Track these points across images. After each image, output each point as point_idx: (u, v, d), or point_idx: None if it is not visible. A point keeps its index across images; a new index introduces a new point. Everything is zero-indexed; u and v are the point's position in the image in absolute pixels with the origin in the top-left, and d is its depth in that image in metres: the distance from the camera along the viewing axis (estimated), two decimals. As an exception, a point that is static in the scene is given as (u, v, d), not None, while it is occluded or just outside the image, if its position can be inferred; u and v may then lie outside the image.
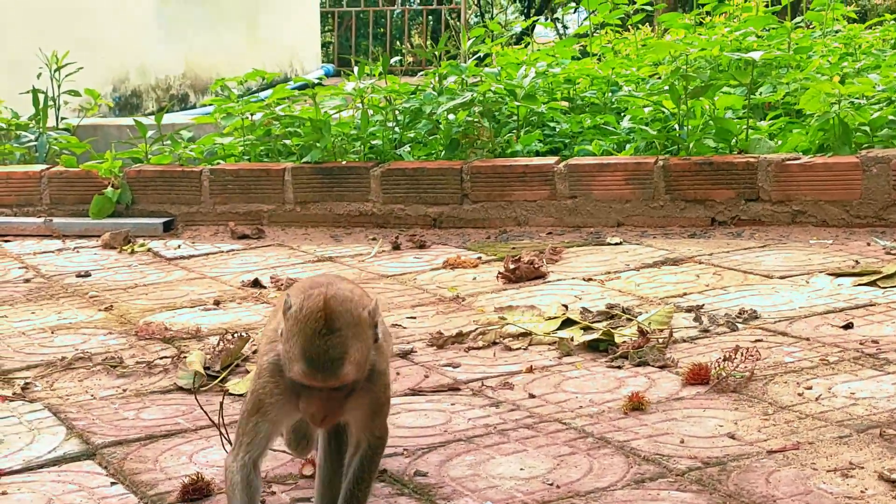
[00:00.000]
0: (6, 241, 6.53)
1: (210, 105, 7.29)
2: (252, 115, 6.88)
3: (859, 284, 4.54)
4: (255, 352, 4.06)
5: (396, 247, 5.74)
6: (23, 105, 8.09)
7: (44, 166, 6.99)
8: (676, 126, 6.14)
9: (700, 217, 5.72)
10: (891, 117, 5.80)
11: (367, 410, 2.52)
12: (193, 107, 14.24)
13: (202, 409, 3.27)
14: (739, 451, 3.04)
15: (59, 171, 6.84)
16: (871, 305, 4.26)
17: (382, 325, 2.53)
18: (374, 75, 7.14)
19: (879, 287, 4.49)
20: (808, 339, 3.92)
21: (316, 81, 7.41)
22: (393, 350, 2.75)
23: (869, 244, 5.21)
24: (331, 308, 2.23)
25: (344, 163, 6.35)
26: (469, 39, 7.91)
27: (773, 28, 7.62)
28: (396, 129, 6.71)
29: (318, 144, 6.46)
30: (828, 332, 3.98)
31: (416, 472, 3.02)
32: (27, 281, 5.56)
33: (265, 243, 6.11)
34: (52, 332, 4.60)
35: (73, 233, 6.55)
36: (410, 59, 14.13)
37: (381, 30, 18.46)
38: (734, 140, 5.98)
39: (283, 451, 3.09)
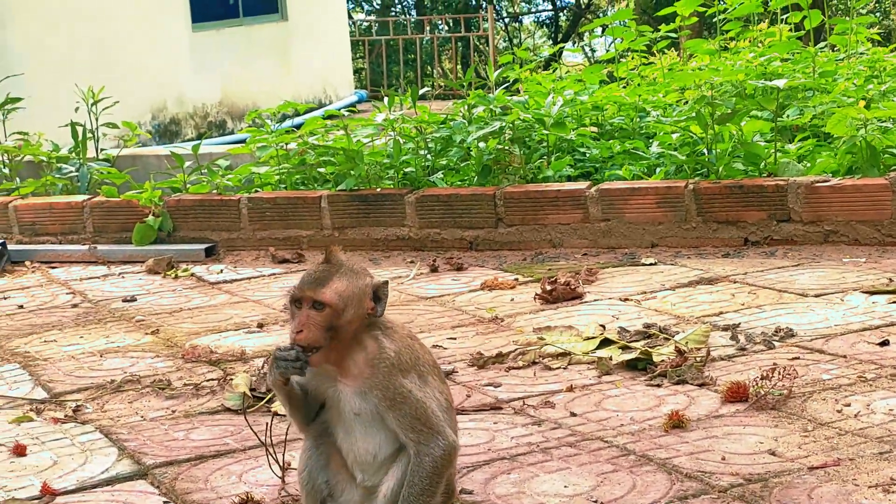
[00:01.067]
0: (52, 267, 6.59)
1: (247, 133, 7.33)
2: (286, 145, 6.92)
3: (894, 302, 4.52)
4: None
5: (434, 269, 5.76)
6: (62, 137, 8.17)
7: (86, 196, 7.05)
8: (705, 150, 6.14)
9: (733, 237, 5.71)
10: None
11: (384, 398, 2.55)
12: (231, 132, 14.35)
13: (251, 429, 3.29)
14: (780, 468, 3.03)
15: (100, 200, 6.89)
16: (906, 323, 4.25)
17: (419, 344, 2.68)
18: (405, 104, 7.17)
19: (913, 305, 4.47)
20: (844, 357, 3.90)
21: (347, 110, 7.43)
22: (437, 367, 2.75)
23: (900, 263, 5.19)
24: (335, 254, 2.59)
25: (379, 190, 6.38)
26: (497, 68, 7.92)
27: (798, 52, 7.61)
28: (428, 156, 6.73)
29: (352, 172, 6.49)
30: (864, 350, 3.96)
31: (462, 490, 3.02)
32: (75, 306, 5.60)
33: (305, 267, 6.12)
34: (101, 356, 4.64)
35: (117, 259, 6.60)
36: (441, 85, 14.19)
37: (412, 56, 18.53)
38: (763, 163, 5.97)
39: None
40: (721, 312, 4.59)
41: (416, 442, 2.55)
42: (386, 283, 2.64)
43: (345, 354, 2.57)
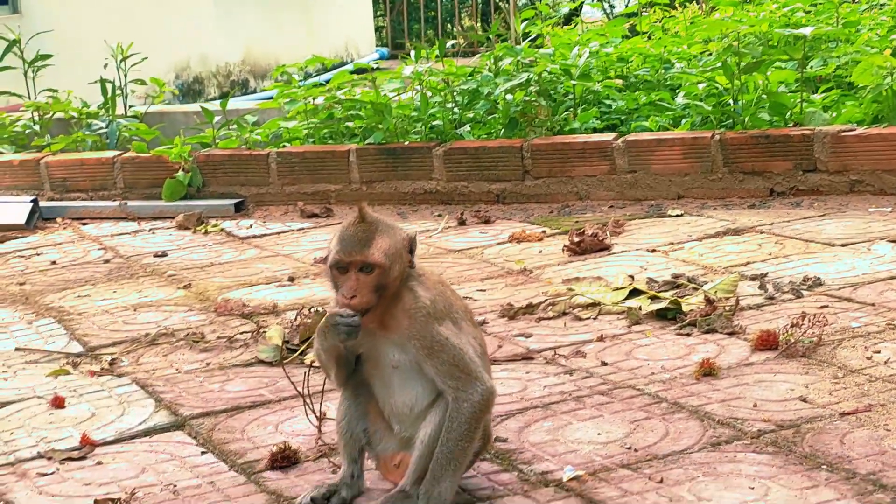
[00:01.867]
0: (83, 223, 6.60)
1: (271, 90, 7.30)
2: (314, 99, 6.89)
3: (920, 251, 4.49)
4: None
5: (462, 222, 5.74)
6: (90, 96, 8.16)
7: (116, 152, 7.05)
8: (731, 101, 6.08)
9: (758, 188, 5.67)
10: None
11: (421, 346, 2.54)
12: (254, 91, 14.31)
13: (289, 379, 3.29)
14: (812, 414, 3.02)
15: (131, 156, 6.89)
16: (934, 271, 4.21)
17: (450, 290, 2.69)
18: (431, 58, 7.13)
19: (941, 253, 4.43)
20: (873, 305, 3.88)
21: (374, 66, 7.40)
22: (470, 312, 2.74)
23: (927, 212, 5.15)
24: (365, 210, 2.55)
25: (407, 143, 6.35)
26: (522, 22, 7.86)
27: (820, 3, 7.52)
28: (455, 109, 6.69)
29: (380, 126, 6.46)
30: (893, 298, 3.94)
31: (496, 438, 3.02)
32: (107, 262, 5.62)
33: (334, 221, 6.12)
34: (135, 310, 4.65)
35: (147, 215, 6.60)
36: (463, 42, 14.08)
37: (432, 13, 18.41)
38: (788, 113, 5.92)
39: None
40: (748, 262, 4.56)
41: (455, 388, 2.55)
42: (416, 233, 2.63)
43: (384, 309, 2.56)
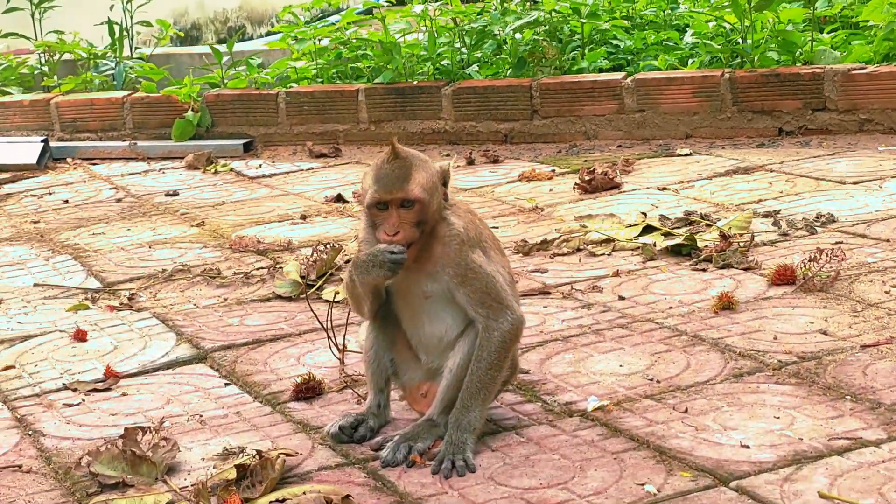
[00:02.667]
0: (93, 164, 6.55)
1: (274, 34, 7.21)
2: (321, 39, 6.82)
3: (932, 188, 4.46)
4: (347, 261, 4.05)
5: (471, 162, 5.70)
6: (96, 38, 8.07)
7: (125, 92, 6.98)
8: (740, 40, 6.02)
9: (767, 127, 5.62)
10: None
11: (455, 274, 2.52)
12: (251, 38, 14.17)
13: (312, 311, 3.27)
14: (833, 346, 3.01)
15: (140, 96, 6.83)
16: (947, 208, 4.19)
17: (479, 218, 2.66)
18: (437, -1, 7.05)
19: (952, 190, 4.40)
20: (888, 241, 3.85)
21: (376, 7, 7.31)
22: (497, 241, 2.72)
23: (937, 150, 5.11)
24: (399, 147, 2.51)
25: (415, 83, 6.29)
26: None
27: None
28: (463, 49, 6.62)
29: (388, 66, 6.40)
30: (906, 234, 3.91)
31: (519, 370, 3.00)
32: (119, 200, 5.58)
33: (343, 161, 6.08)
34: (150, 247, 4.62)
35: (156, 155, 6.55)
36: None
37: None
38: (798, 52, 5.86)
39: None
40: (760, 200, 4.53)
41: (486, 317, 2.53)
42: (450, 165, 2.60)
43: (422, 242, 2.53)
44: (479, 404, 2.53)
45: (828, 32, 6.26)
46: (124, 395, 3.11)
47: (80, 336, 3.55)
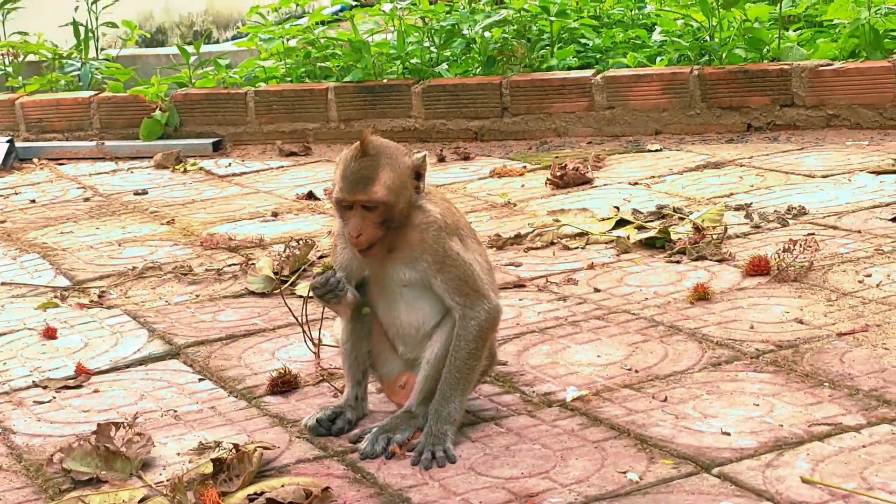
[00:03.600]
0: (60, 164, 6.47)
1: (241, 37, 7.14)
2: (290, 38, 6.76)
3: (901, 181, 4.46)
4: (321, 257, 4.01)
5: (442, 159, 5.66)
6: (61, 39, 7.98)
7: (92, 92, 6.90)
8: (707, 37, 6.02)
9: (736, 123, 5.62)
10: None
11: (433, 262, 2.48)
12: (217, 42, 14.08)
13: (287, 306, 3.22)
14: (809, 335, 2.99)
15: (107, 96, 6.75)
16: (917, 199, 4.19)
17: (455, 207, 2.61)
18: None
19: (921, 183, 4.41)
20: (859, 232, 3.85)
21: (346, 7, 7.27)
22: (473, 230, 2.69)
23: (905, 144, 5.13)
24: (368, 140, 2.44)
25: (385, 81, 6.25)
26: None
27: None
28: (432, 48, 6.59)
29: (357, 65, 6.35)
30: (878, 225, 3.91)
31: (497, 361, 2.96)
32: (87, 200, 5.50)
33: (313, 159, 6.03)
34: (120, 245, 4.55)
35: (124, 155, 6.47)
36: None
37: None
38: (765, 49, 5.86)
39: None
40: (732, 194, 4.52)
41: (462, 305, 2.49)
42: (425, 156, 2.53)
43: (395, 233, 2.49)
44: (458, 394, 2.50)
45: (793, 31, 6.28)
46: (96, 391, 3.05)
47: (50, 334, 3.49)
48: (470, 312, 2.49)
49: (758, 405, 2.59)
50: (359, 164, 2.42)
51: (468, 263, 2.50)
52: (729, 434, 2.46)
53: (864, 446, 2.36)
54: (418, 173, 2.51)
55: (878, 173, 4.61)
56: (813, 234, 3.84)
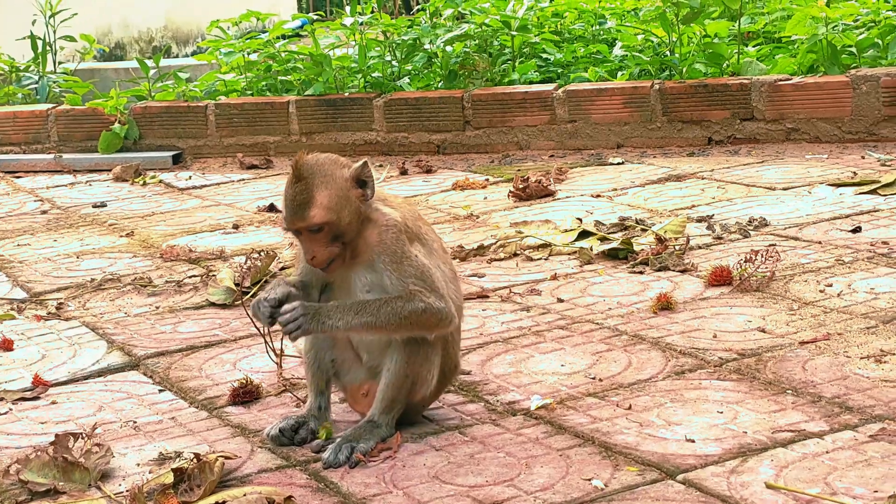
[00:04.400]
0: (17, 177, 6.40)
1: (201, 50, 7.12)
2: (251, 52, 6.73)
3: (861, 193, 4.50)
4: (283, 268, 3.98)
5: (404, 172, 5.65)
6: (17, 53, 7.91)
7: (50, 105, 6.84)
8: (668, 52, 6.06)
9: (697, 137, 5.66)
10: (876, 40, 5.73)
11: (391, 261, 2.47)
12: (176, 57, 14.00)
13: (249, 317, 3.18)
14: (772, 343, 3.00)
15: (65, 109, 6.70)
16: (876, 211, 4.22)
17: (418, 214, 2.61)
18: (366, 13, 7.00)
19: (880, 195, 4.44)
20: (819, 243, 3.88)
21: (314, 17, 7.25)
22: (440, 239, 2.68)
23: (863, 157, 5.17)
24: (301, 162, 2.44)
25: (347, 94, 6.24)
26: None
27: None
28: (394, 63, 6.59)
29: (319, 78, 6.34)
30: (838, 236, 3.94)
31: (460, 370, 2.95)
32: (44, 212, 5.45)
33: (274, 172, 6.00)
34: (78, 257, 4.51)
35: (83, 168, 6.42)
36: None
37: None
38: (725, 64, 5.90)
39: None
40: (693, 206, 4.54)
41: (414, 287, 2.46)
42: (364, 163, 2.49)
43: (357, 241, 2.47)
44: (349, 313, 2.44)
45: (752, 47, 6.33)
46: (54, 403, 3.01)
47: (6, 345, 3.44)
48: (420, 294, 2.46)
49: (722, 412, 2.59)
50: (294, 189, 2.43)
51: (427, 267, 2.49)
52: (693, 441, 2.46)
53: (827, 452, 2.36)
54: (361, 181, 2.48)
55: (838, 186, 4.65)
56: (774, 244, 3.86)
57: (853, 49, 5.72)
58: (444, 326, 2.53)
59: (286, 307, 2.45)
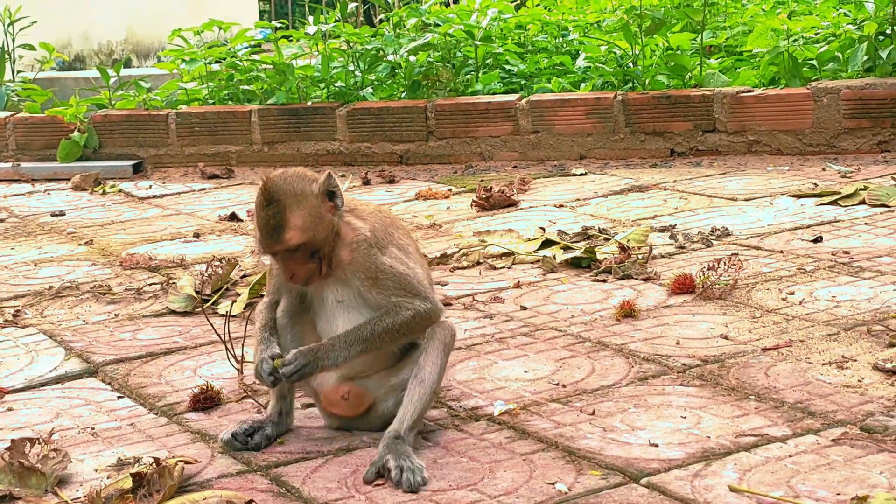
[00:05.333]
0: (-26, 186, 6.34)
1: (166, 56, 7.07)
2: (213, 61, 6.70)
3: (821, 204, 4.53)
4: (244, 276, 3.96)
5: (367, 182, 5.64)
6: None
7: (8, 113, 6.77)
8: (631, 64, 6.09)
9: (659, 148, 5.68)
10: (836, 53, 5.79)
11: (365, 278, 2.47)
12: (138, 68, 13.92)
13: (209, 323, 3.17)
14: (735, 350, 3.01)
15: (24, 117, 6.64)
16: (837, 222, 4.26)
17: (390, 218, 2.60)
18: (330, 22, 7.00)
19: (841, 206, 4.48)
20: (781, 252, 3.90)
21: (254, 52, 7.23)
22: (414, 242, 2.67)
23: (824, 169, 5.21)
24: (269, 184, 2.42)
25: (309, 104, 6.23)
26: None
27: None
28: (357, 73, 6.58)
29: (281, 88, 6.32)
30: (799, 246, 3.97)
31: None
32: (1, 221, 5.39)
33: (236, 182, 5.98)
34: (36, 265, 4.46)
35: (41, 176, 6.36)
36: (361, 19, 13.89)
37: (315, -1, 18.18)
38: (688, 76, 5.94)
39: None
40: (656, 216, 4.56)
41: (399, 299, 2.47)
42: (329, 175, 2.47)
43: (329, 254, 2.47)
44: (345, 348, 2.45)
45: (715, 60, 6.37)
46: (10, 409, 2.97)
47: (-37, 351, 3.39)
48: (406, 304, 2.47)
49: (685, 417, 2.60)
50: (266, 213, 2.42)
51: (404, 274, 2.49)
52: (657, 445, 2.46)
53: (790, 456, 2.37)
54: (330, 193, 2.47)
55: (799, 197, 4.68)
56: (736, 253, 3.87)
57: (814, 62, 5.78)
58: (434, 319, 2.55)
59: (288, 359, 2.45)
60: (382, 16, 7.35)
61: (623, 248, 3.90)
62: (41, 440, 2.54)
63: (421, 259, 2.61)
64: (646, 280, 3.70)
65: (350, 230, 2.48)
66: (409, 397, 2.49)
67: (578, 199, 4.95)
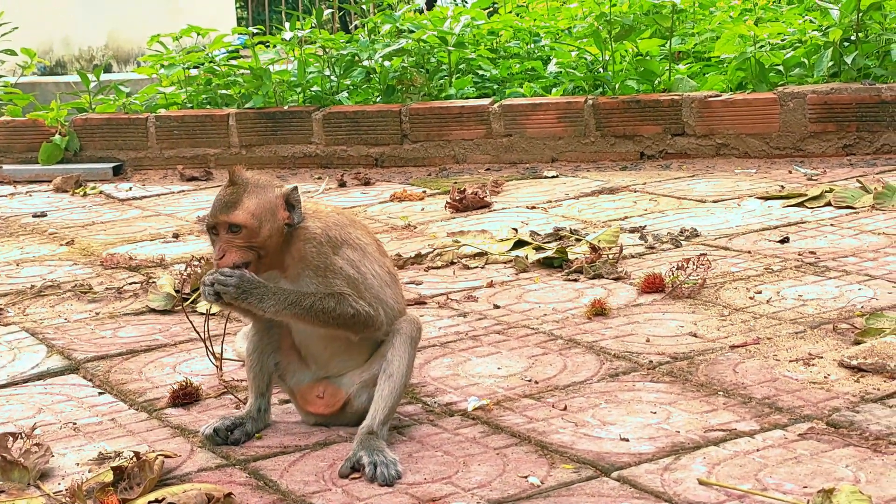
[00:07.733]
0: (-44, 187, 6.30)
1: (145, 62, 7.05)
2: (192, 66, 6.68)
3: (788, 206, 4.56)
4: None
5: (342, 184, 5.64)
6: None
7: (-11, 116, 6.74)
8: (601, 69, 6.11)
9: (629, 151, 5.71)
10: (802, 59, 5.83)
11: (314, 276, 2.46)
12: (118, 73, 13.86)
13: (189, 321, 3.16)
14: (703, 347, 3.02)
15: (5, 120, 6.60)
16: (803, 223, 4.28)
17: (350, 220, 2.58)
18: (306, 28, 6.98)
19: (807, 207, 4.51)
20: (749, 252, 3.92)
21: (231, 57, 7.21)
22: (378, 242, 2.66)
23: (790, 172, 5.24)
24: (237, 171, 2.48)
25: (286, 107, 6.22)
26: (383, 8, 7.69)
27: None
28: (333, 77, 6.57)
29: (259, 92, 6.31)
30: (767, 246, 3.99)
31: (399, 373, 2.93)
32: (-17, 222, 5.36)
33: (214, 184, 5.96)
34: (17, 265, 4.43)
35: (23, 178, 6.33)
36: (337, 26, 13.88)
37: (291, 5, 18.12)
38: (657, 81, 5.97)
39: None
40: (626, 217, 4.58)
41: (348, 292, 2.46)
42: (295, 188, 2.48)
43: (281, 257, 2.47)
44: (280, 302, 2.43)
45: (683, 65, 6.40)
46: (-8, 405, 2.95)
47: (-55, 349, 3.37)
48: (351, 300, 2.46)
49: (655, 413, 2.60)
50: (225, 191, 2.46)
51: (352, 278, 2.47)
52: (627, 440, 2.46)
53: (758, 450, 2.38)
54: (290, 203, 2.47)
55: (766, 199, 4.71)
56: (705, 254, 3.89)
57: (780, 68, 5.82)
58: (372, 332, 2.52)
59: (225, 270, 2.43)
60: (357, 22, 7.35)
61: (594, 249, 3.91)
62: (24, 435, 2.53)
63: (381, 258, 2.59)
64: (616, 279, 3.71)
65: (303, 231, 2.48)
66: (380, 392, 2.48)
67: (550, 201, 4.96)
